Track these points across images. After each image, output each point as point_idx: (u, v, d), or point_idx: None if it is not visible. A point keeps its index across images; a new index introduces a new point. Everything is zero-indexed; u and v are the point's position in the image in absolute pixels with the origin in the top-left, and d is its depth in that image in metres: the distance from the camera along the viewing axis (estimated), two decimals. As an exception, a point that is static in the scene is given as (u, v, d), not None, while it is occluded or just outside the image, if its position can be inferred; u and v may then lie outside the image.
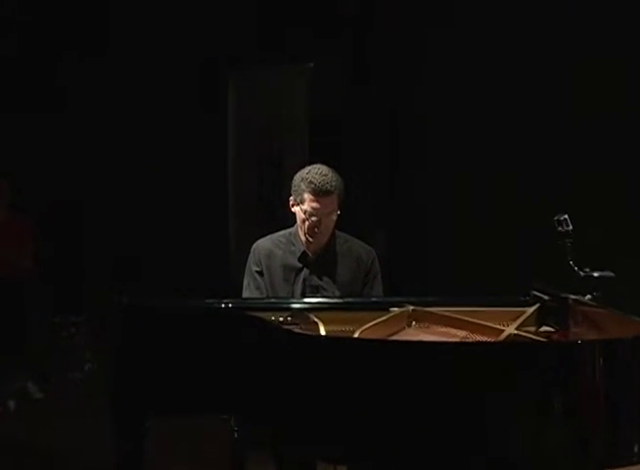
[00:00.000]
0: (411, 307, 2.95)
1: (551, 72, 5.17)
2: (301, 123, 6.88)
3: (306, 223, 3.21)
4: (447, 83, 5.83)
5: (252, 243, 3.39)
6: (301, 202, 3.20)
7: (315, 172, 3.18)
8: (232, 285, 3.85)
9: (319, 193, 3.15)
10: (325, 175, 3.17)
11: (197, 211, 6.90)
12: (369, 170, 6.24)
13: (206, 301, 3.07)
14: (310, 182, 3.16)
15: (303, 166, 3.29)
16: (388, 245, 5.79)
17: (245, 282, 3.37)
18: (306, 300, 3.13)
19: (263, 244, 3.37)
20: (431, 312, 2.92)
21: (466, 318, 2.81)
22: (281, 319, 2.92)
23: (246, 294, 3.34)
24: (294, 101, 6.92)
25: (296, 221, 3.31)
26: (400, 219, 6.13)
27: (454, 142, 5.79)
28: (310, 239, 3.25)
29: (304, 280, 3.28)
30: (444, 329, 2.85)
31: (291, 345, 2.55)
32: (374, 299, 3.26)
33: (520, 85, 5.33)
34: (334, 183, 3.17)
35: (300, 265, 3.29)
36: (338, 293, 3.26)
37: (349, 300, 3.17)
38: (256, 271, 3.32)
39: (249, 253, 3.38)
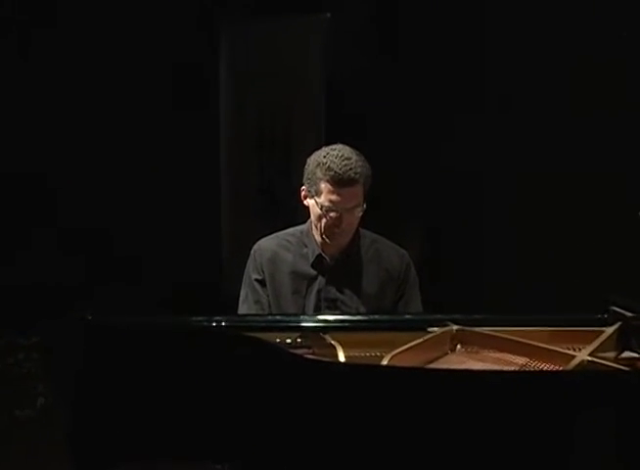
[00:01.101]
0: (455, 327, 2.96)
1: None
2: (315, 92, 6.89)
3: (323, 220, 3.23)
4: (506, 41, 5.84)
5: (252, 244, 3.41)
6: (317, 193, 3.21)
7: (335, 156, 3.20)
8: (225, 298, 3.87)
9: (340, 182, 3.16)
10: (347, 159, 3.18)
11: (182, 205, 6.90)
12: (401, 153, 6.22)
13: (193, 318, 3.08)
14: (329, 168, 3.17)
15: (319, 148, 3.30)
16: (426, 248, 5.79)
17: (242, 294, 3.39)
18: (321, 317, 3.15)
19: (266, 245, 3.39)
20: (480, 333, 2.94)
21: (525, 341, 2.82)
22: (288, 342, 2.94)
23: (243, 309, 3.37)
24: (305, 63, 6.93)
25: (308, 217, 3.32)
26: (441, 216, 6.12)
27: (514, 123, 5.79)
28: (328, 240, 3.26)
29: (319, 292, 3.30)
30: (498, 354, 2.87)
31: (301, 374, 2.56)
32: (408, 316, 3.28)
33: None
34: (358, 170, 3.19)
35: (315, 273, 3.31)
36: (362, 308, 3.28)
37: (376, 317, 3.19)
38: (257, 280, 3.34)
39: (247, 256, 3.40)
